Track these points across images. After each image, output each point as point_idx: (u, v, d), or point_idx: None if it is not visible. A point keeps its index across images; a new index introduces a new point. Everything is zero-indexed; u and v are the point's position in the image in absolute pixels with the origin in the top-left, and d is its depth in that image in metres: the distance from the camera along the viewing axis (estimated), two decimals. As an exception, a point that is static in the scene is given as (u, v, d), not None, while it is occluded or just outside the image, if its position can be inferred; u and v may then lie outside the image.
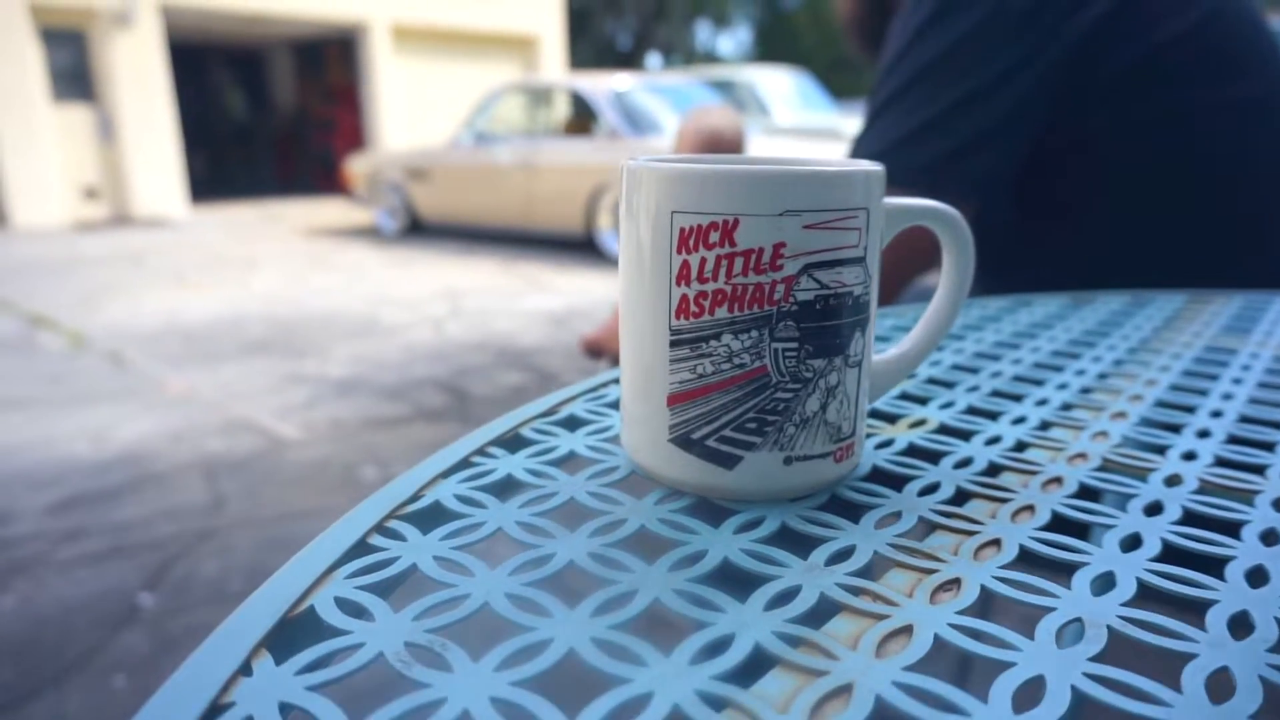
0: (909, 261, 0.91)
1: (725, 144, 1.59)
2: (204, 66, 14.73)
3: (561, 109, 7.04)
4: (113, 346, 3.83)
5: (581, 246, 6.53)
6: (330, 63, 13.32)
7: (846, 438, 0.30)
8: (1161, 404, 0.43)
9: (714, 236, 0.27)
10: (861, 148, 0.78)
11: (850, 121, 7.78)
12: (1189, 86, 0.75)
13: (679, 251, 0.28)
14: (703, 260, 0.27)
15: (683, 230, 0.27)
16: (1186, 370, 0.48)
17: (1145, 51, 0.73)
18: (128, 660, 1.56)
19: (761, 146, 5.84)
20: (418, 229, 7.76)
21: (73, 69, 9.42)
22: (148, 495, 2.28)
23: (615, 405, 0.40)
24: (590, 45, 21.30)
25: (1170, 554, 0.27)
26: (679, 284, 0.28)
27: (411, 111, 11.88)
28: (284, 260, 6.63)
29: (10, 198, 9.00)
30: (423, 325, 4.20)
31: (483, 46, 12.60)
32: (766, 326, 0.27)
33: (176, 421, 2.83)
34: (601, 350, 1.04)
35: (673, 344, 0.29)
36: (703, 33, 27.15)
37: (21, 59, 8.83)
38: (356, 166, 8.06)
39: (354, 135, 12.44)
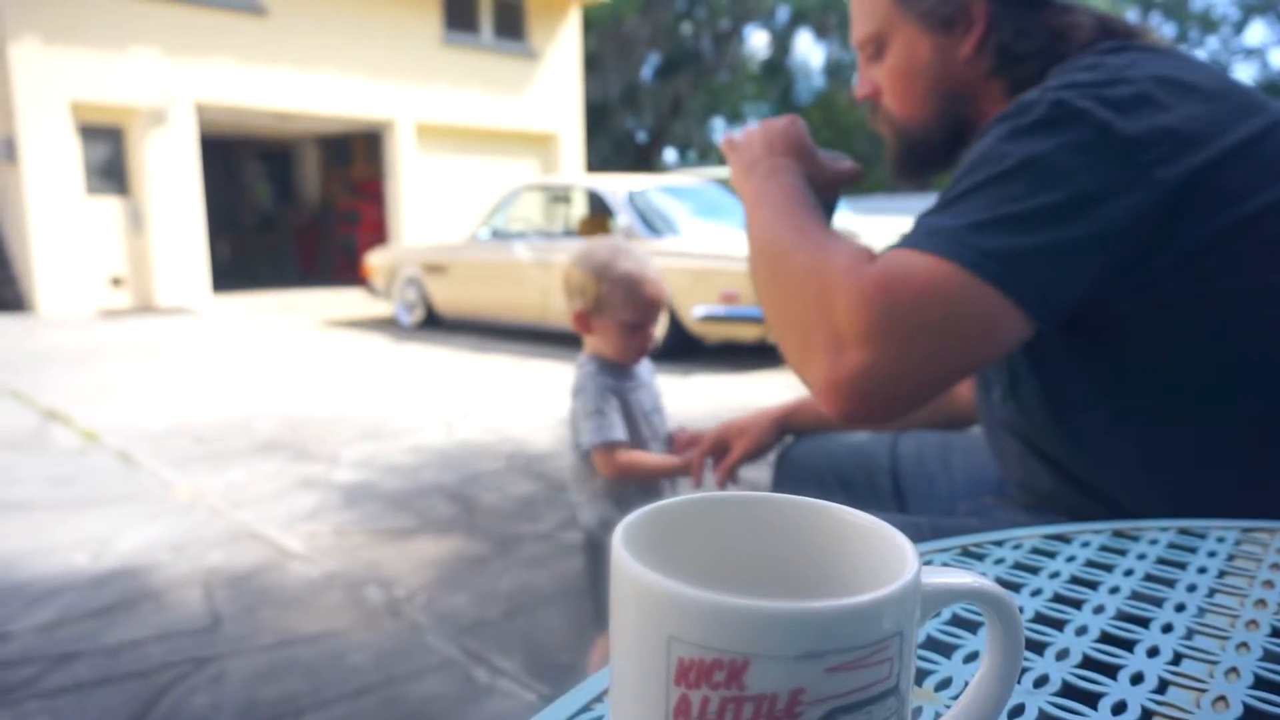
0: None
1: None
2: (233, 158, 15.25)
3: (578, 208, 7.18)
4: (123, 445, 3.81)
5: (596, 342, 6.55)
6: (356, 156, 13.76)
7: None
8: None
9: (719, 675, 0.23)
10: (932, 221, 0.72)
11: (862, 220, 7.87)
12: (1273, 267, 0.70)
13: (677, 683, 0.23)
14: (705, 699, 0.23)
15: (681, 660, 0.23)
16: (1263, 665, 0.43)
17: (1232, 221, 0.69)
18: (103, 817, 1.47)
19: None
20: (435, 323, 7.83)
21: (108, 163, 9.77)
22: (143, 614, 2.21)
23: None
24: (608, 139, 21.93)
25: None
26: (678, 718, 0.24)
27: (434, 205, 12.18)
28: (301, 352, 6.68)
29: (39, 286, 9.20)
30: (434, 426, 4.17)
31: (504, 143, 13.00)
32: (782, 777, 0.23)
33: (179, 530, 2.77)
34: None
35: (670, 781, 0.24)
36: (718, 128, 27.95)
37: (61, 155, 9.17)
38: (376, 260, 8.21)
39: (377, 227, 12.73)
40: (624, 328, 1.43)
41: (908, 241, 0.71)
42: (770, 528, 0.29)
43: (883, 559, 0.26)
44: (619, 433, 1.41)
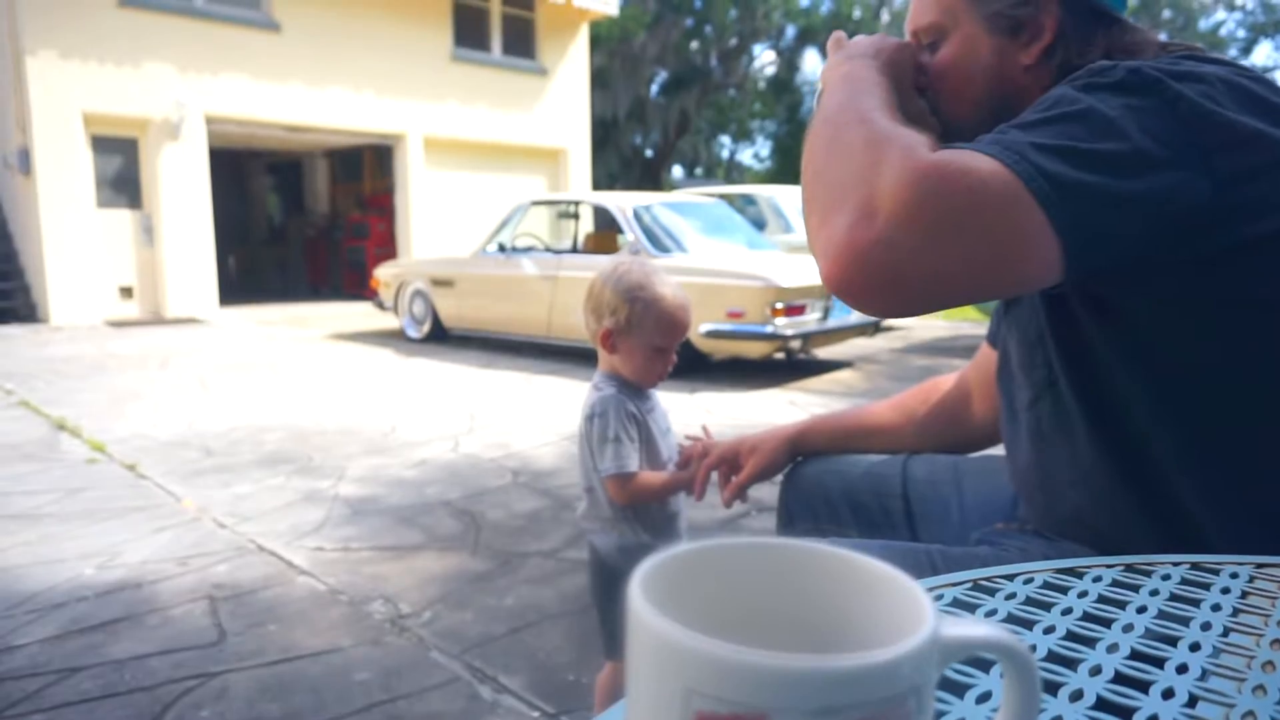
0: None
1: None
2: (243, 170, 15.34)
3: (585, 224, 7.21)
4: (131, 456, 3.82)
5: (602, 357, 6.56)
6: (366, 170, 13.84)
7: None
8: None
9: (739, 729, 0.23)
10: (996, 135, 0.70)
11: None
12: None
13: (696, 734, 0.24)
14: (726, 752, 0.23)
15: (700, 714, 0.23)
16: None
17: (1269, 231, 0.69)
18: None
19: (783, 262, 5.90)
20: (442, 337, 7.85)
21: (120, 175, 9.86)
22: (148, 627, 2.21)
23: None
24: (616, 155, 22.04)
25: None
26: (697, 770, 0.24)
27: (442, 219, 12.24)
28: (308, 365, 6.70)
29: (50, 297, 9.27)
30: (441, 441, 4.17)
31: (512, 158, 13.07)
32: (799, 832, 0.23)
33: (185, 543, 2.78)
34: None
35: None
36: (724, 145, 28.05)
37: (73, 167, 9.25)
38: (383, 273, 8.24)
39: (386, 241, 12.78)
40: (651, 350, 1.41)
41: (969, 144, 0.70)
42: (787, 575, 0.29)
43: (900, 610, 0.26)
44: (634, 463, 1.39)
